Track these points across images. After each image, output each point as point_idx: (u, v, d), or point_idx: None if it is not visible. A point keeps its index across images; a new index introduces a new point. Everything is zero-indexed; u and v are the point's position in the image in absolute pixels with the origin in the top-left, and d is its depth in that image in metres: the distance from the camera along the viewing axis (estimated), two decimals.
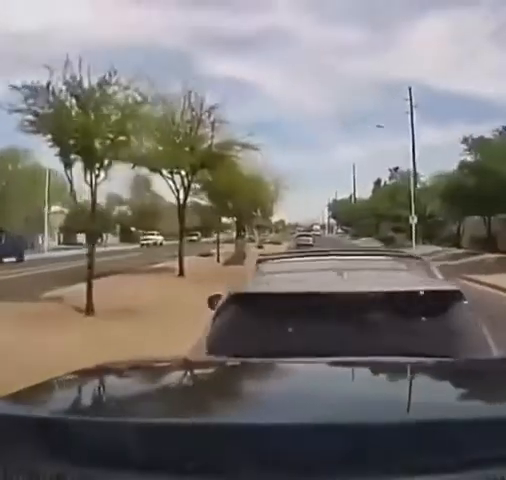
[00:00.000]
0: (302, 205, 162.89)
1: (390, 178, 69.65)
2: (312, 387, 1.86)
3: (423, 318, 2.50)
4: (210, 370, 2.42)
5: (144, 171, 20.70)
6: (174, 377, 2.29)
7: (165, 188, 20.37)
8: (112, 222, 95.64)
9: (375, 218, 47.14)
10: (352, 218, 77.14)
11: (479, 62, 77.40)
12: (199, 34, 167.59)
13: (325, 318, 2.50)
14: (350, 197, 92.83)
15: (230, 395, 1.89)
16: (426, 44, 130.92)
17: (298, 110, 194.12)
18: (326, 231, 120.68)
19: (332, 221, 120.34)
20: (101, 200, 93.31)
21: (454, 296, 2.59)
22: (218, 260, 28.66)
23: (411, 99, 49.14)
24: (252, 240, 53.18)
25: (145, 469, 1.32)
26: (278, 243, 57.26)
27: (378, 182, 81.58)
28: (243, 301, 2.71)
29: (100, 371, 2.25)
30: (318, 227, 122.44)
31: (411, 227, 39.13)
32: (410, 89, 49.09)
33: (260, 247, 44.57)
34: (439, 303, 2.53)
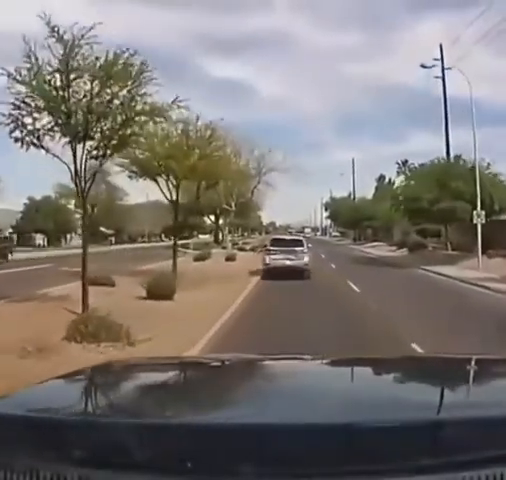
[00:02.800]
0: (295, 207, 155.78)
1: (398, 173, 58.01)
2: (312, 386, 1.96)
3: (298, 241, 25.26)
4: (210, 370, 2.47)
5: None
6: (174, 377, 2.32)
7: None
8: (74, 221, 79.77)
9: (407, 214, 31.13)
10: (357, 218, 61.85)
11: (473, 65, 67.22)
12: (198, 35, 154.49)
13: (284, 241, 25.29)
14: (349, 195, 79.91)
15: (229, 395, 1.92)
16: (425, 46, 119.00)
17: (291, 111, 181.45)
18: (319, 233, 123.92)
19: (328, 222, 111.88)
20: (47, 192, 77.93)
21: (301, 239, 26.67)
22: (84, 308, 10.82)
23: (442, 60, 39.39)
24: (234, 245, 38.10)
25: (145, 469, 1.33)
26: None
27: (381, 178, 79.07)
28: (273, 239, 25.98)
29: (100, 371, 2.29)
30: (309, 230, 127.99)
31: (476, 227, 23.93)
32: (441, 46, 39.50)
33: (230, 259, 28.61)
34: (299, 241, 25.59)
